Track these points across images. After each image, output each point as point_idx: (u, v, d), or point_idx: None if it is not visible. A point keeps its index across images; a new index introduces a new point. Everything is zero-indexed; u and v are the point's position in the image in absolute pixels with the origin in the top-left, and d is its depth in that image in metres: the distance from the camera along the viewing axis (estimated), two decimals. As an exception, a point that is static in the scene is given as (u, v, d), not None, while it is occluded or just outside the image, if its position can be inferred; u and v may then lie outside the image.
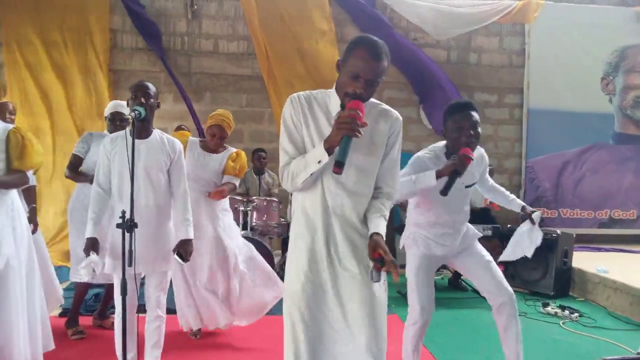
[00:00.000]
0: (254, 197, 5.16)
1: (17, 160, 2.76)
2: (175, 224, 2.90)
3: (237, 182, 3.69)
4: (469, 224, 2.95)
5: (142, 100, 2.74)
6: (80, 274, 3.70)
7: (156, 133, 2.89)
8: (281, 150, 1.99)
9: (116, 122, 3.73)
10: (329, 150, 1.83)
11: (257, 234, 5.01)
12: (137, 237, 2.47)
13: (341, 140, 1.79)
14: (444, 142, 2.82)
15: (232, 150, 3.74)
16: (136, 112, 2.61)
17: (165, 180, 2.87)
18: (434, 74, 7.11)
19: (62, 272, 5.03)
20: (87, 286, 3.88)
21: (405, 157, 7.19)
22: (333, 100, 1.97)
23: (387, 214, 2.00)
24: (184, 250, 2.82)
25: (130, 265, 2.40)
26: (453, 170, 2.60)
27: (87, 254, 2.67)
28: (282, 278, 4.62)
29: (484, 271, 2.83)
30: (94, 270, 3.61)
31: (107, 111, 3.82)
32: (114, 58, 6.84)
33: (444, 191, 2.65)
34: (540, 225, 3.10)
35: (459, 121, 2.66)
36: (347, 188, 1.95)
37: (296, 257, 1.99)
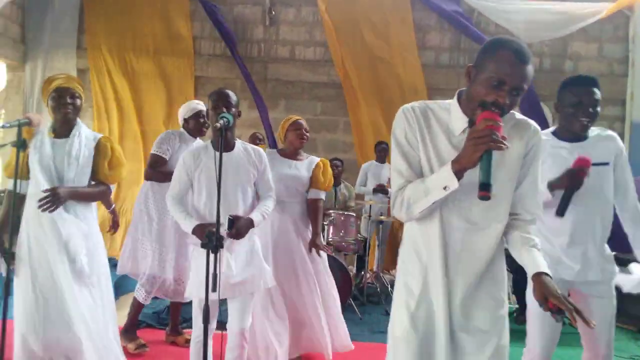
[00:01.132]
0: (330, 211, 4.88)
1: (104, 173, 2.66)
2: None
3: (323, 197, 3.43)
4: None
5: (224, 109, 2.52)
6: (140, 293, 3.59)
7: (239, 144, 2.68)
8: (394, 171, 1.69)
9: (200, 119, 3.53)
10: (459, 174, 1.51)
11: (332, 249, 4.73)
12: (227, 259, 2.26)
13: (481, 158, 1.46)
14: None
15: (316, 159, 3.48)
16: (224, 120, 2.39)
17: (253, 194, 2.65)
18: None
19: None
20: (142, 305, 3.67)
21: None
22: (455, 115, 1.65)
23: (539, 244, 1.64)
24: (238, 222, 2.49)
25: (214, 290, 2.16)
26: (569, 184, 2.19)
27: (204, 240, 2.38)
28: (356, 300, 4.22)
29: (606, 327, 2.32)
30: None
31: (187, 113, 3.60)
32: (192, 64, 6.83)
33: (561, 211, 2.24)
34: None
35: (579, 94, 2.25)
36: (472, 220, 1.62)
37: (405, 301, 1.69)
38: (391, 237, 6.25)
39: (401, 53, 6.63)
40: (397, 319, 1.71)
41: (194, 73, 6.78)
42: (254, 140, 5.54)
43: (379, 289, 5.17)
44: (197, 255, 2.57)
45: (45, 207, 2.42)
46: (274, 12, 6.78)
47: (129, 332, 3.57)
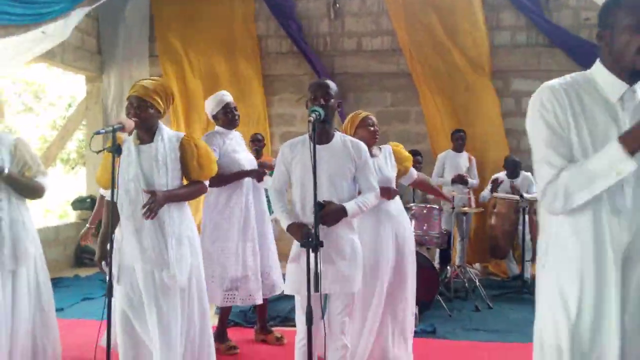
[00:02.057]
0: (411, 204, 4.69)
1: (195, 171, 2.64)
2: None
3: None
4: None
5: (322, 100, 2.43)
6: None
7: (338, 136, 2.57)
8: (541, 162, 1.49)
9: (227, 112, 3.47)
10: (634, 153, 1.31)
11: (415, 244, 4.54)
12: (322, 255, 2.15)
13: None
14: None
15: (387, 146, 3.34)
16: (316, 113, 2.30)
17: (349, 189, 2.52)
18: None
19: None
20: (229, 309, 3.68)
21: None
22: (605, 80, 1.45)
23: None
24: (328, 208, 2.34)
25: (316, 290, 2.07)
26: None
27: (302, 241, 2.31)
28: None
29: None
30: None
31: (214, 108, 3.53)
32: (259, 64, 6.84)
33: None
34: None
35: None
36: (627, 209, 1.40)
37: (559, 306, 1.48)
38: (474, 229, 5.98)
39: (471, 34, 6.30)
40: (550, 326, 1.51)
41: (261, 72, 6.78)
42: (255, 141, 5.32)
43: (466, 284, 4.93)
44: (292, 253, 2.50)
45: (147, 216, 2.41)
46: (338, 5, 6.66)
47: (220, 335, 3.56)
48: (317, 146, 2.44)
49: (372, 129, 3.19)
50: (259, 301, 3.50)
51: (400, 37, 6.43)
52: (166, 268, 2.50)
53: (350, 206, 2.41)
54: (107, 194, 2.69)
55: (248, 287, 3.43)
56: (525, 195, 5.16)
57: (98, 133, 2.31)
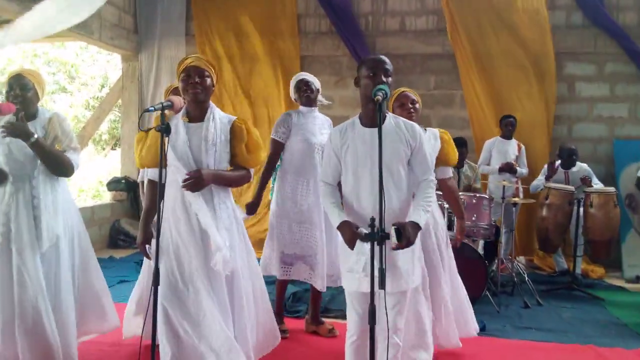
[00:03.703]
0: (460, 194, 4.44)
1: (243, 156, 2.49)
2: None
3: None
4: None
5: (383, 77, 2.21)
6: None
7: (390, 118, 2.34)
8: None
9: (302, 91, 3.44)
10: None
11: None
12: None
13: None
14: None
15: (435, 130, 3.18)
16: (382, 92, 2.08)
17: (406, 174, 2.31)
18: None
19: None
20: (286, 282, 3.65)
21: (636, 144, 5.62)
22: None
23: None
24: (405, 230, 2.11)
25: (382, 287, 1.88)
26: None
27: (353, 244, 2.17)
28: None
29: None
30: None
31: (291, 89, 3.55)
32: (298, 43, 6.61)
33: None
34: None
35: None
36: None
37: None
38: (519, 221, 5.70)
39: (527, 14, 5.93)
40: None
41: (299, 52, 6.56)
42: None
43: (515, 278, 4.67)
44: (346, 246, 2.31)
45: (189, 188, 2.29)
46: (381, -18, 6.35)
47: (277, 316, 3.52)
48: (368, 129, 2.27)
49: (409, 107, 2.99)
50: (319, 287, 3.40)
51: (447, 16, 6.11)
52: (207, 256, 2.36)
53: (421, 218, 2.19)
54: (152, 174, 2.55)
55: (306, 267, 3.40)
56: (595, 185, 4.85)
57: (148, 111, 2.17)
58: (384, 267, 1.89)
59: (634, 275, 5.46)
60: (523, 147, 5.63)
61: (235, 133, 2.47)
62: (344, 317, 3.93)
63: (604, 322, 4.06)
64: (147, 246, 2.55)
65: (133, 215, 6.98)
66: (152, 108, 2.16)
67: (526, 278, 4.71)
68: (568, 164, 5.17)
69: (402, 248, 2.09)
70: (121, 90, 7.22)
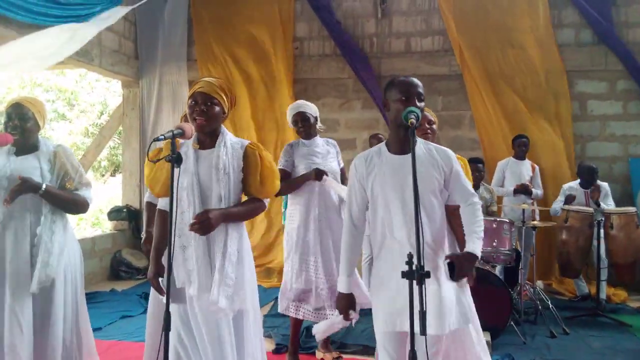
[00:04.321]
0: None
1: (255, 187, 2.28)
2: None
3: None
4: None
5: (417, 100, 2.05)
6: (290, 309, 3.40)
7: (421, 143, 2.17)
8: None
9: (298, 124, 3.36)
10: None
11: (481, 261, 4.09)
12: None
13: None
14: None
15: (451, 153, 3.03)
16: (414, 115, 1.92)
17: (439, 205, 2.12)
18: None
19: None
20: (300, 322, 3.49)
21: None
22: None
23: None
24: (459, 263, 1.98)
25: (423, 333, 1.68)
26: None
27: (347, 318, 2.06)
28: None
29: None
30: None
31: (288, 117, 3.46)
32: (301, 66, 6.50)
33: None
34: None
35: None
36: None
37: None
38: (537, 244, 5.48)
39: (534, 33, 5.84)
40: None
41: (301, 75, 6.44)
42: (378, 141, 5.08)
43: (539, 306, 4.45)
44: (379, 282, 2.12)
45: (197, 232, 2.10)
46: (385, 3, 6.27)
47: (292, 355, 3.49)
48: (397, 156, 2.11)
49: (425, 127, 2.89)
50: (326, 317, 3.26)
51: (452, 36, 6.02)
52: (210, 293, 2.15)
53: (476, 247, 2.02)
54: (162, 204, 2.36)
55: (311, 301, 3.32)
56: (603, 206, 4.66)
57: (158, 140, 1.99)
58: (424, 309, 1.69)
59: (657, 298, 5.24)
60: (537, 167, 5.47)
61: (248, 159, 2.27)
62: (362, 353, 3.74)
63: (636, 351, 3.84)
64: (160, 279, 2.34)
65: (135, 245, 6.76)
66: (163, 137, 1.99)
67: (550, 305, 4.48)
68: (588, 183, 5.00)
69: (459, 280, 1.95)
70: (122, 116, 7.08)
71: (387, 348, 2.09)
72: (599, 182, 5.04)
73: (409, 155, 2.10)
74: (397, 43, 6.36)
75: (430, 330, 1.99)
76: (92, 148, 7.33)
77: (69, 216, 2.71)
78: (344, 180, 3.48)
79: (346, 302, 2.12)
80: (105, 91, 13.09)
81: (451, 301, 2.06)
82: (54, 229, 2.52)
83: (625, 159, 5.85)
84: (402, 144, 2.10)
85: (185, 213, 2.14)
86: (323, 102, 6.42)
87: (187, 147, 2.23)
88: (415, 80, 2.10)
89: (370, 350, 3.76)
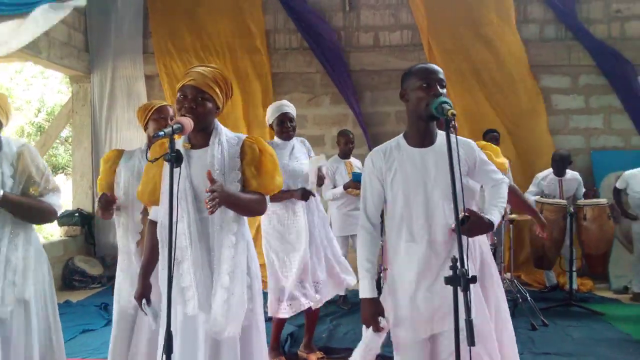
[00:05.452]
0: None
1: (255, 180, 2.04)
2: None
3: None
4: None
5: (439, 90, 1.92)
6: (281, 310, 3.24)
7: (441, 136, 2.03)
8: None
9: (284, 123, 3.25)
10: None
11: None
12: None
13: None
14: None
15: None
16: (448, 105, 1.77)
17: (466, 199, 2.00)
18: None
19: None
20: (284, 320, 3.41)
21: (613, 154, 5.54)
22: None
23: None
24: (473, 221, 1.85)
25: (472, 343, 1.54)
26: None
27: (368, 325, 1.92)
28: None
29: None
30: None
31: (270, 116, 3.32)
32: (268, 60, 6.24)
33: None
34: None
35: None
36: None
37: None
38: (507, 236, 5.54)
39: (501, 27, 5.89)
40: None
41: (270, 70, 6.19)
42: (348, 140, 4.93)
43: (519, 299, 4.45)
44: (397, 287, 1.96)
45: (213, 207, 1.82)
46: (354, -4, 6.14)
47: (273, 350, 3.37)
48: (417, 150, 1.98)
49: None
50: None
51: (422, 31, 5.97)
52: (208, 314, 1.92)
53: (494, 217, 1.93)
54: (152, 214, 2.11)
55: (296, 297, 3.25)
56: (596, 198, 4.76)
57: (157, 136, 1.73)
58: (471, 318, 1.55)
59: (621, 286, 5.41)
60: (508, 161, 5.50)
61: (245, 154, 2.03)
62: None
63: (617, 340, 3.92)
64: (144, 301, 2.08)
65: (88, 252, 6.30)
66: (163, 133, 1.73)
67: (528, 297, 4.51)
68: (561, 171, 5.06)
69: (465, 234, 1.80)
70: (70, 114, 6.56)
71: (410, 356, 1.95)
72: (571, 172, 5.13)
73: (431, 149, 1.98)
74: (365, 37, 6.24)
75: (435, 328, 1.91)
76: (37, 148, 6.75)
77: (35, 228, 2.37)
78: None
79: (373, 309, 1.91)
80: (43, 88, 12.26)
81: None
82: (17, 242, 2.19)
83: (588, 151, 6.01)
84: (422, 136, 1.97)
85: (177, 223, 1.85)
86: (290, 97, 6.17)
87: (177, 147, 1.96)
88: (436, 66, 1.97)
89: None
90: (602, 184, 5.78)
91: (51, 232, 8.79)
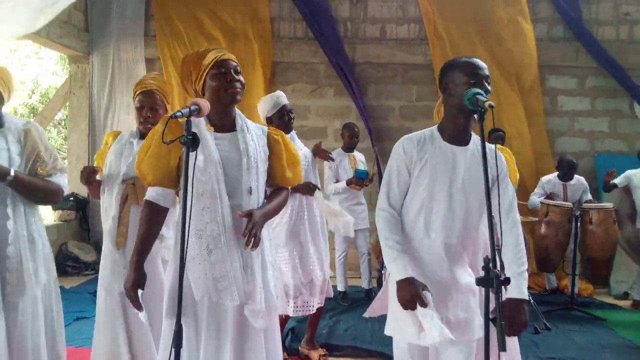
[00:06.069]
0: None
1: (283, 174, 2.01)
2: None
3: None
4: None
5: (486, 84, 1.86)
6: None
7: (475, 139, 1.94)
8: None
9: (285, 116, 3.15)
10: None
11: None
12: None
13: None
14: None
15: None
16: (483, 96, 1.67)
17: (479, 208, 1.91)
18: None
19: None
20: (287, 318, 3.37)
21: (617, 158, 5.51)
22: None
23: None
24: (510, 319, 1.74)
25: (503, 348, 1.46)
26: None
27: (409, 307, 1.76)
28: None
29: None
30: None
31: (269, 110, 3.17)
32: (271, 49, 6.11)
33: None
34: None
35: None
36: None
37: None
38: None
39: (513, 24, 5.79)
40: None
41: (272, 58, 6.06)
42: (353, 133, 4.85)
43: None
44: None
45: (252, 243, 1.78)
46: (361, -13, 6.02)
47: None
48: (451, 146, 1.90)
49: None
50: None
51: (429, 25, 5.87)
52: (250, 301, 1.83)
53: (523, 289, 1.81)
54: (153, 195, 1.96)
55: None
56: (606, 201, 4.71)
57: (174, 117, 1.63)
58: (502, 322, 1.47)
59: (622, 291, 5.38)
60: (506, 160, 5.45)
61: (272, 147, 1.98)
62: (351, 355, 3.53)
63: (620, 346, 3.88)
64: (140, 292, 1.88)
65: (82, 237, 6.17)
66: (180, 113, 1.62)
67: (531, 300, 4.45)
68: (567, 176, 5.02)
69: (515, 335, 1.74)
70: (67, 95, 6.39)
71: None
72: (577, 176, 5.08)
73: (464, 149, 1.89)
74: (372, 29, 6.13)
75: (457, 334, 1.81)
76: (32, 129, 6.59)
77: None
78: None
79: (412, 288, 1.74)
80: (37, 69, 12.02)
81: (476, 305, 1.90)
82: (24, 224, 2.09)
83: (592, 154, 5.96)
84: (459, 132, 1.89)
85: (206, 210, 1.78)
86: (293, 88, 6.10)
87: (199, 129, 1.85)
88: (481, 61, 1.88)
89: (361, 352, 3.57)
90: (606, 188, 5.73)
91: (43, 215, 8.63)
